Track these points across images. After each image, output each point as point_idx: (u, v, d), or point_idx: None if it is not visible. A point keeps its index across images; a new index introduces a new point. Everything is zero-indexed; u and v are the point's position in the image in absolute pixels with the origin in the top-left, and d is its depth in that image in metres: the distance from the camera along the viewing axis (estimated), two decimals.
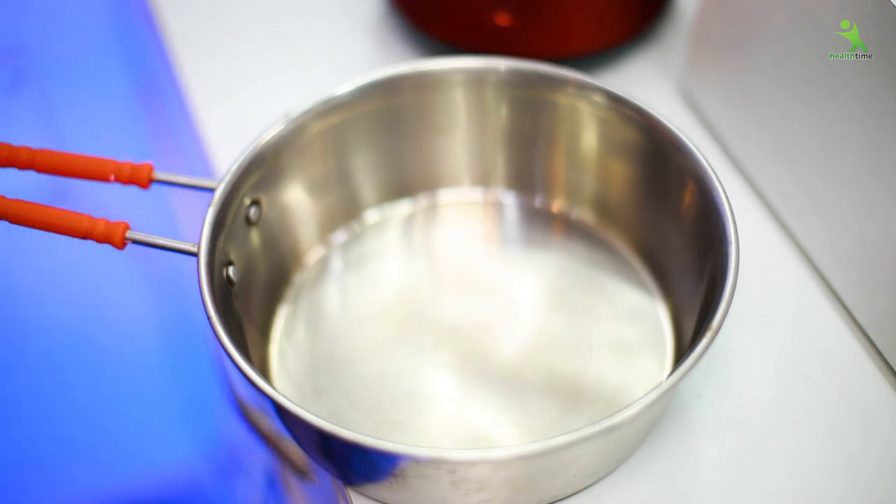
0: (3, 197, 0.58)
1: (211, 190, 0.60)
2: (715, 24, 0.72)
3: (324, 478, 0.61)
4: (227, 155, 0.73)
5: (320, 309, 0.67)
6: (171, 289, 0.96)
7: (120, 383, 0.91)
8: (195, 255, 0.57)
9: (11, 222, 0.58)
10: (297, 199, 0.67)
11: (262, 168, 0.63)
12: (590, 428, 0.50)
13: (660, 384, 0.51)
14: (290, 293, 0.68)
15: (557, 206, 0.72)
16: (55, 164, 0.60)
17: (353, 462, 0.56)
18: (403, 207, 0.72)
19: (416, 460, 0.51)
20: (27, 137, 0.64)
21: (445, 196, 0.73)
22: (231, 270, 0.61)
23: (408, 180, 0.72)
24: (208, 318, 0.54)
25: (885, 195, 0.60)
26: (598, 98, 0.65)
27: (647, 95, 0.68)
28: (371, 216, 0.72)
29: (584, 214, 0.71)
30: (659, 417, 0.60)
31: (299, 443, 0.60)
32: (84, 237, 0.58)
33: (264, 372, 0.64)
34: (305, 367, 0.64)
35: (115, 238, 0.58)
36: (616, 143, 0.67)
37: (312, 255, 0.70)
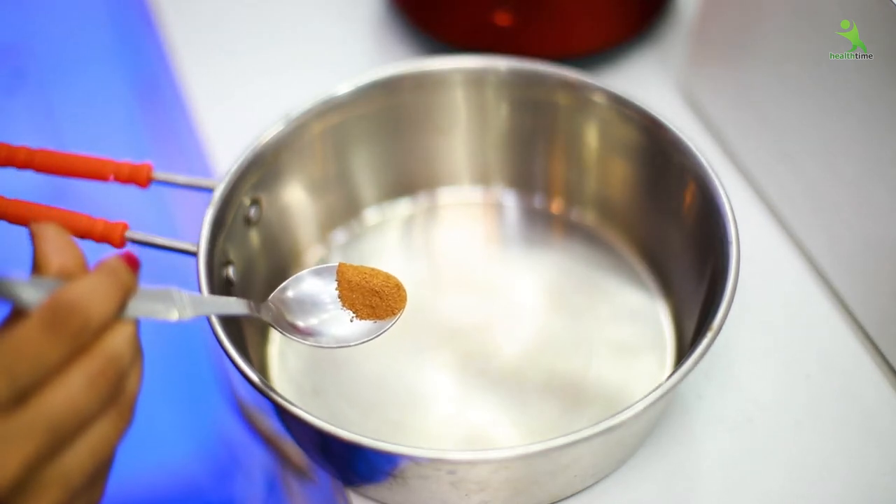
0: (2, 197, 0.58)
1: (210, 190, 0.60)
2: (715, 24, 0.71)
3: (324, 478, 0.61)
4: (226, 155, 0.73)
5: None
6: None
7: None
8: (194, 254, 0.57)
9: (11, 222, 0.58)
10: (296, 198, 0.67)
11: (262, 168, 0.63)
12: (590, 429, 0.49)
13: (660, 385, 0.51)
14: None
15: (557, 206, 0.71)
16: (54, 164, 0.59)
17: (353, 463, 0.55)
18: (403, 207, 0.72)
19: (415, 461, 0.51)
20: (26, 137, 0.64)
21: (445, 196, 0.73)
22: (231, 270, 0.61)
23: (408, 180, 0.72)
24: (208, 318, 0.54)
25: (885, 195, 0.60)
26: (598, 98, 0.65)
27: (647, 95, 0.68)
28: (371, 216, 0.72)
29: (585, 214, 0.71)
30: (659, 418, 0.60)
31: (299, 443, 0.59)
32: (83, 237, 0.58)
33: (264, 372, 0.64)
34: (305, 367, 0.64)
35: (113, 238, 0.57)
36: (616, 143, 0.66)
37: (312, 255, 0.69)
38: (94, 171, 0.60)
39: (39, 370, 0.38)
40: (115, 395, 0.41)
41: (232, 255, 0.61)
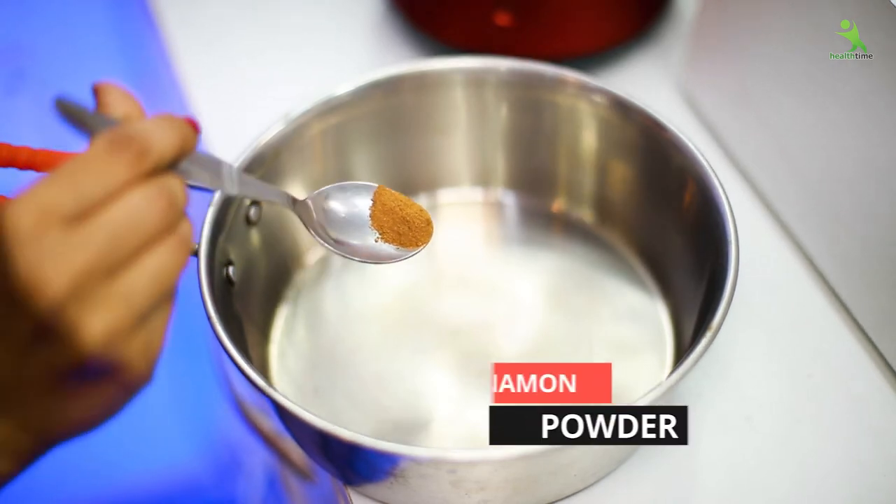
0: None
1: (211, 190, 0.60)
2: (715, 24, 0.72)
3: (324, 478, 0.61)
4: (226, 155, 0.73)
5: (320, 309, 0.67)
6: None
7: None
8: (195, 254, 0.57)
9: None
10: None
11: (262, 168, 0.63)
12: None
13: (660, 384, 0.51)
14: (290, 293, 0.68)
15: (557, 206, 0.72)
16: (56, 165, 0.59)
17: (354, 462, 0.56)
18: None
19: (415, 460, 0.51)
20: (28, 137, 0.64)
21: (445, 196, 0.73)
22: (231, 270, 0.61)
23: (408, 180, 0.72)
24: (208, 318, 0.54)
25: (884, 195, 0.60)
26: (598, 98, 0.65)
27: (647, 95, 0.68)
28: None
29: (584, 215, 0.71)
30: None
31: (299, 443, 0.60)
32: None
33: (264, 372, 0.64)
34: (305, 367, 0.64)
35: None
36: (616, 143, 0.67)
37: (312, 255, 0.70)
38: None
39: (102, 185, 0.39)
40: (172, 225, 0.41)
41: (232, 255, 0.61)
